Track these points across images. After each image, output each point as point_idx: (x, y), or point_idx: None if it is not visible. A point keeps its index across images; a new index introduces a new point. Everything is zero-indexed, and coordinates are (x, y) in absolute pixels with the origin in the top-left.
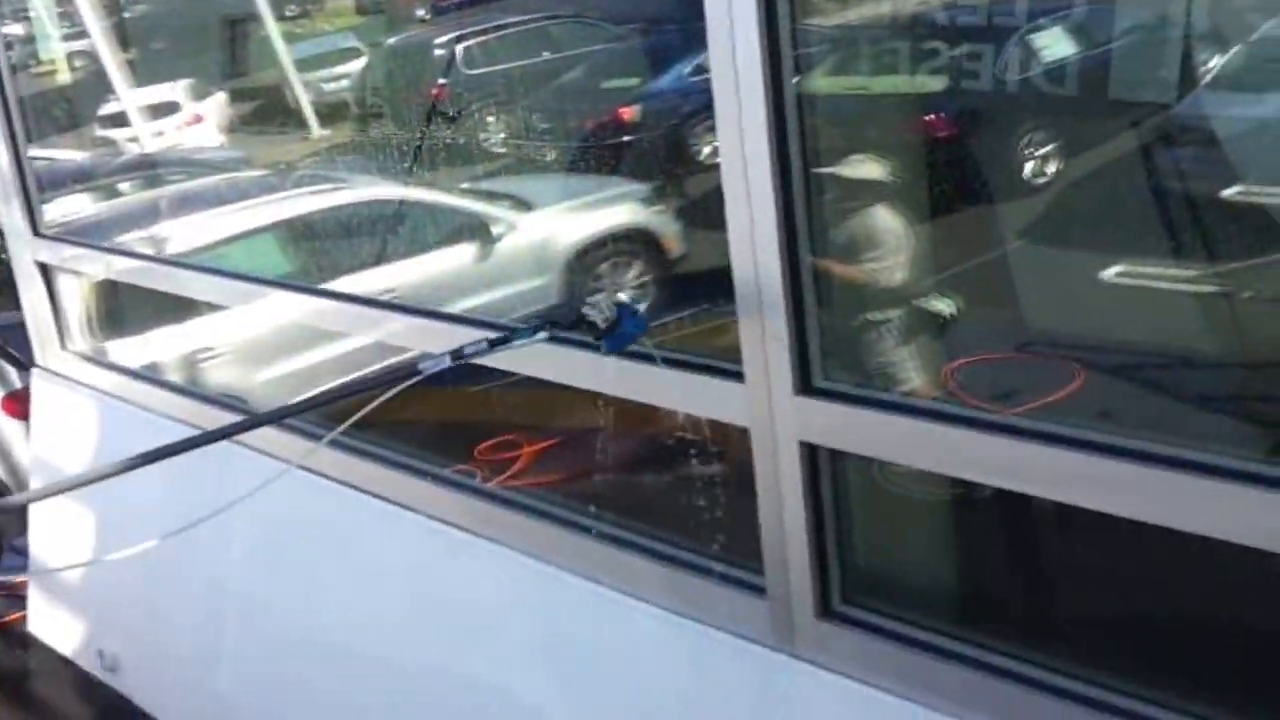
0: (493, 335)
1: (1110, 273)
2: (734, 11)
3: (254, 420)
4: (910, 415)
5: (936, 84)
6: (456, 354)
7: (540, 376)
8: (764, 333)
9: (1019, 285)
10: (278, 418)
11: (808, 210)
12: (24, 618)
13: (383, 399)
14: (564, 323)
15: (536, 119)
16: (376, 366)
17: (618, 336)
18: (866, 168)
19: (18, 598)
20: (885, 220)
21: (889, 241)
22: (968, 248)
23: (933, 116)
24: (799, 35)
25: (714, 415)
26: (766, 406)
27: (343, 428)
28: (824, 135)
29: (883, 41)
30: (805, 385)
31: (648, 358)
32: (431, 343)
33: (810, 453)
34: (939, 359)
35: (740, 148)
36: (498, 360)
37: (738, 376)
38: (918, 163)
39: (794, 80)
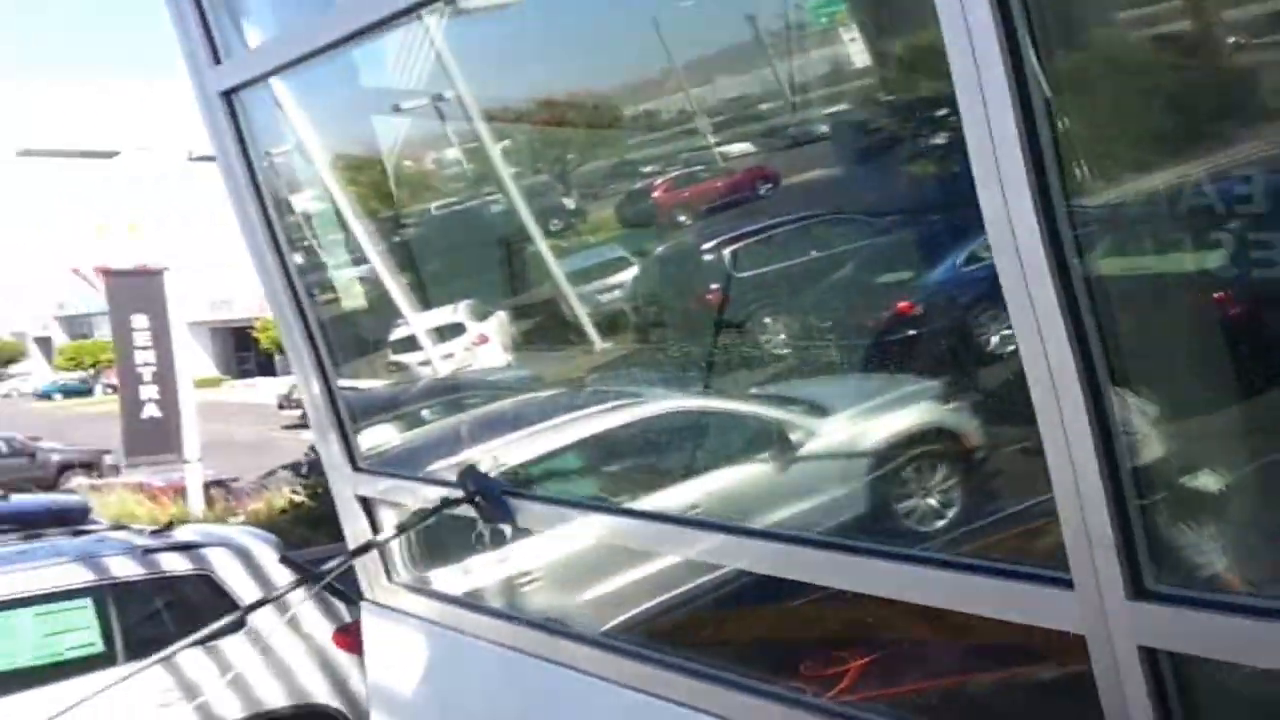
0: None
1: None
2: (1009, 196)
3: None
4: (1258, 616)
5: (1222, 260)
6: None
7: (853, 590)
8: (1089, 536)
9: None
10: None
11: (1120, 406)
12: None
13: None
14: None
15: (815, 319)
16: None
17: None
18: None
19: None
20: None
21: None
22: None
23: (1222, 293)
24: (1080, 215)
25: (1043, 623)
26: (1100, 613)
27: None
28: (1125, 321)
29: (1175, 218)
30: (1138, 589)
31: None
32: (730, 558)
33: (1151, 657)
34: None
35: (1040, 342)
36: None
37: (1065, 583)
38: (1224, 341)
39: (1079, 265)
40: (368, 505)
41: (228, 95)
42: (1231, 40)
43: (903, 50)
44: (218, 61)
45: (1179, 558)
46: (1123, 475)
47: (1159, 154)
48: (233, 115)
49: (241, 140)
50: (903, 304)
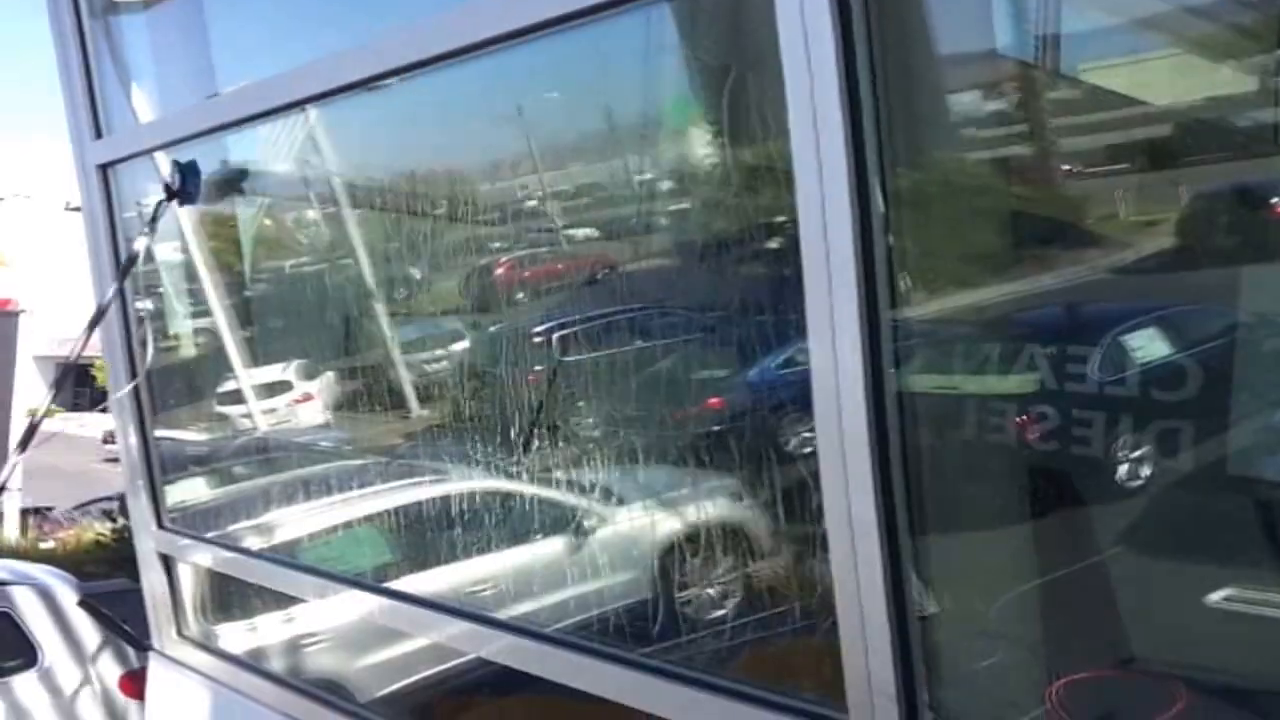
0: None
1: (1216, 595)
2: (835, 305)
3: None
4: None
5: (1028, 384)
6: None
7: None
8: (870, 682)
9: (1114, 598)
10: None
11: (917, 543)
12: None
13: None
14: None
15: (628, 408)
16: None
17: None
18: None
19: None
20: None
21: None
22: (1059, 555)
23: (1023, 417)
24: (899, 328)
25: None
26: None
27: None
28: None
29: (974, 339)
30: None
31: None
32: (485, 650)
33: None
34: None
35: (840, 450)
36: None
37: None
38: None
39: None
40: (167, 561)
41: (103, 167)
42: (1065, 168)
43: (748, 156)
44: (99, 135)
45: (960, 710)
46: (909, 622)
47: (985, 273)
48: (105, 185)
49: (110, 208)
50: (713, 399)
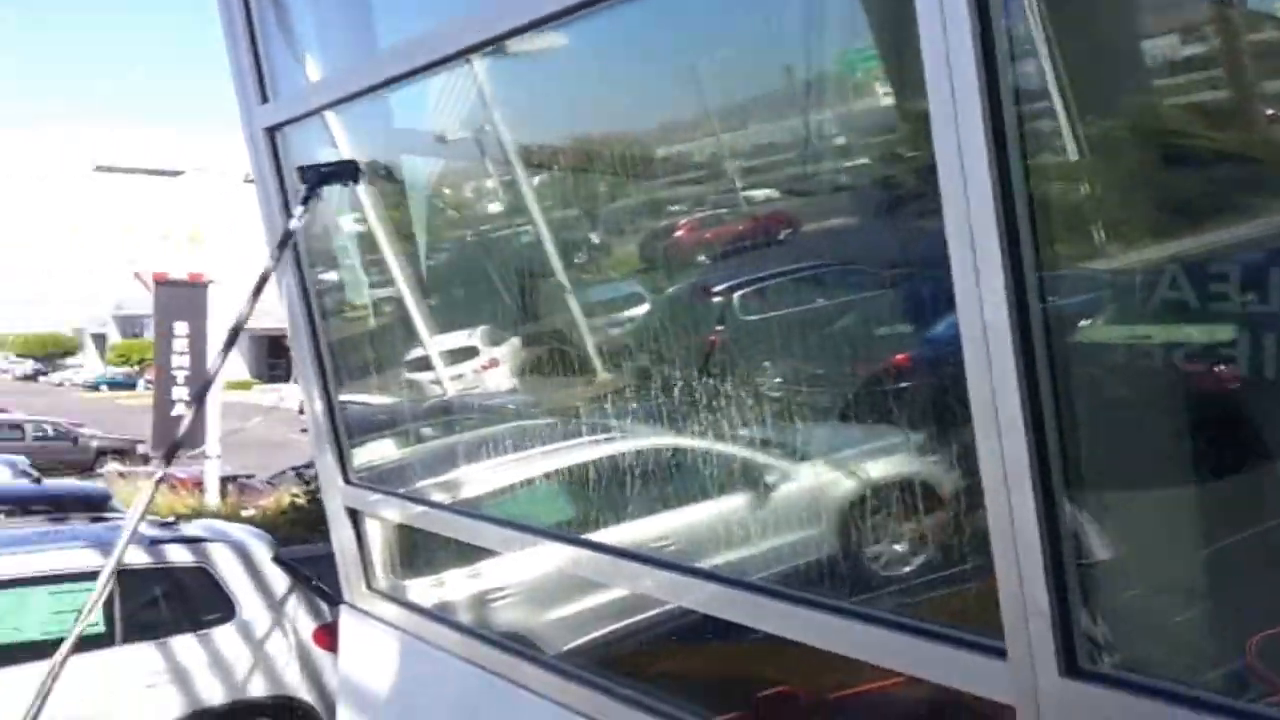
0: None
1: None
2: (979, 254)
3: None
4: (1189, 706)
5: (1222, 333)
6: None
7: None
8: (1025, 608)
9: None
10: None
11: (1068, 481)
12: None
13: None
14: None
15: (812, 365)
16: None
17: None
18: None
19: None
20: None
21: None
22: (1264, 510)
23: (1221, 367)
24: (1063, 282)
25: (976, 691)
26: (1032, 687)
27: None
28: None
29: (1160, 286)
30: (1071, 667)
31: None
32: (681, 597)
33: None
34: (1233, 631)
35: (993, 404)
36: None
37: (999, 653)
38: (1204, 419)
39: (1042, 340)
40: (355, 516)
41: (271, 131)
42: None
43: (925, 106)
44: (265, 100)
45: (1115, 637)
46: (1064, 548)
47: (1133, 234)
48: (274, 148)
49: (279, 171)
50: (899, 356)
